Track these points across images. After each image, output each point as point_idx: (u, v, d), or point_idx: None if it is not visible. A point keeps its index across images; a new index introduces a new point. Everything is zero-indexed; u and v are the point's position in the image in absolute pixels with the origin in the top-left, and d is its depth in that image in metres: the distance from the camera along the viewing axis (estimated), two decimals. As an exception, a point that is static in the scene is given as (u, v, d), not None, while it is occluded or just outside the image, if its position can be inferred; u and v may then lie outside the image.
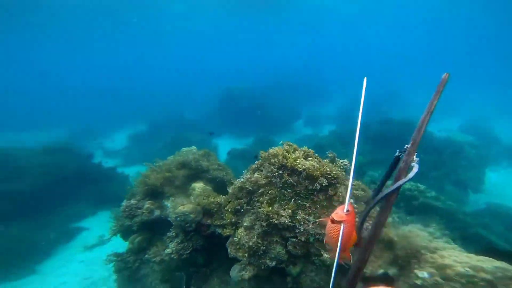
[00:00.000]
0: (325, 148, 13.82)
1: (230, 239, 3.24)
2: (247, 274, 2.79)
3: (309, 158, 3.26)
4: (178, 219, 3.75)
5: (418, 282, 2.20)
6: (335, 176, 2.83)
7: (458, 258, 2.30)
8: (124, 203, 4.76)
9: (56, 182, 9.41)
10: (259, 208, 3.05)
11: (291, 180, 3.02)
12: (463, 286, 2.08)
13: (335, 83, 31.65)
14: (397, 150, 1.11)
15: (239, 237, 2.96)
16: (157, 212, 4.47)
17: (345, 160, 3.48)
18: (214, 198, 3.74)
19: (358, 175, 9.48)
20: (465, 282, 2.08)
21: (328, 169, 2.87)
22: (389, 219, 3.70)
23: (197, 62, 52.28)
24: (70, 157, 10.46)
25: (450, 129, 16.44)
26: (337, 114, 23.99)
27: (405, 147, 1.05)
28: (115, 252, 4.58)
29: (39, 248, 7.59)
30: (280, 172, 3.07)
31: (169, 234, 3.99)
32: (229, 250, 3.12)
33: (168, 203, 4.44)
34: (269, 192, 3.11)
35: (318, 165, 2.94)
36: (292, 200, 2.93)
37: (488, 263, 2.16)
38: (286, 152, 3.26)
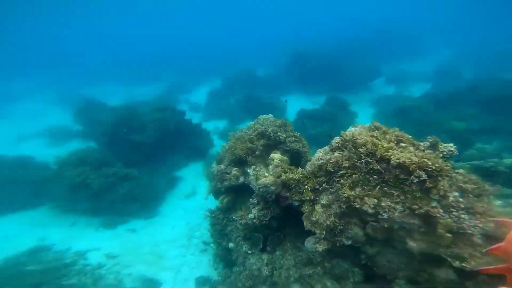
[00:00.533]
0: (413, 113, 12.19)
1: (306, 213, 3.43)
2: (321, 247, 2.98)
3: (402, 144, 2.98)
4: (260, 189, 4.14)
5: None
6: (438, 170, 2.53)
7: None
8: (215, 166, 5.51)
9: (164, 135, 11.27)
10: (340, 190, 3.07)
11: (378, 167, 2.87)
12: None
13: (432, 32, 25.89)
14: None
15: (317, 216, 3.10)
16: (241, 179, 5.01)
17: (450, 144, 3.03)
18: (292, 174, 3.91)
19: (462, 146, 8.11)
20: None
21: (429, 162, 2.57)
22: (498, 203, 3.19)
23: (269, 19, 50.18)
24: (172, 114, 12.20)
25: None
26: (434, 70, 20.02)
27: None
28: (209, 209, 5.50)
29: (160, 193, 9.55)
30: (368, 159, 2.94)
31: (252, 200, 4.50)
32: (305, 224, 3.33)
33: (250, 171, 4.89)
34: (352, 176, 3.06)
35: (415, 158, 2.66)
36: (378, 187, 2.82)
37: None
38: (376, 139, 3.04)
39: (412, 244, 2.43)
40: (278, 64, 23.01)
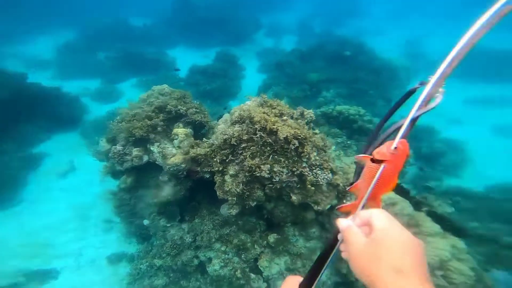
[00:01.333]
0: (285, 67, 14.12)
1: (218, 183, 4.08)
2: (234, 211, 3.80)
3: (284, 118, 3.92)
4: (171, 169, 4.38)
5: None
6: (304, 137, 3.60)
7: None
8: (105, 144, 5.12)
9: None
10: (243, 161, 3.82)
11: (270, 140, 3.73)
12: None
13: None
14: (418, 82, 0.93)
15: (228, 186, 3.79)
16: (145, 158, 4.97)
17: (311, 110, 4.21)
18: (200, 149, 4.33)
19: (313, 95, 10.39)
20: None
21: (299, 132, 3.59)
22: (333, 148, 4.89)
23: None
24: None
25: (392, 49, 17.53)
26: (298, 24, 22.89)
27: (429, 77, 0.88)
28: (110, 190, 5.22)
29: (16, 176, 7.70)
30: (262, 134, 3.72)
31: (162, 178, 4.68)
32: (218, 193, 4.01)
33: (155, 149, 4.91)
34: (251, 148, 3.83)
35: (291, 129, 3.63)
36: (270, 156, 3.73)
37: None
38: (266, 115, 3.81)
39: (294, 197, 3.56)
40: (156, 12, 19.95)
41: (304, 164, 3.59)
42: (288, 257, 3.53)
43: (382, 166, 0.87)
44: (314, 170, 3.55)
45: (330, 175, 3.55)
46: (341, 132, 5.95)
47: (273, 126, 3.67)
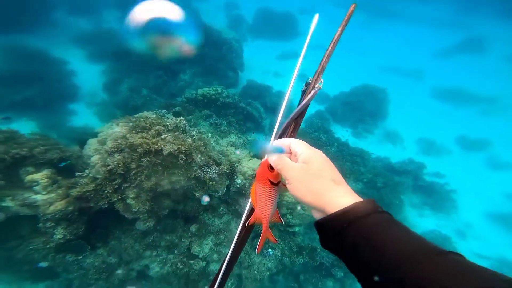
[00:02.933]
0: (130, 53, 11.09)
1: (121, 209, 4.29)
2: (151, 224, 4.36)
3: (162, 136, 4.22)
4: (56, 216, 4.03)
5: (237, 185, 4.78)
6: (188, 149, 4.22)
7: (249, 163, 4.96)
8: None
9: None
10: (140, 184, 4.12)
11: (158, 161, 4.10)
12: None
13: None
14: (304, 84, 0.99)
15: (136, 207, 4.14)
16: (1, 216, 4.15)
17: (181, 118, 4.67)
18: (83, 187, 4.10)
19: (171, 79, 9.45)
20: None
21: (182, 147, 4.14)
22: (209, 135, 5.78)
23: None
24: None
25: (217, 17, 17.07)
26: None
27: (308, 79, 0.97)
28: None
29: None
30: (149, 158, 3.99)
31: (45, 225, 4.23)
32: (127, 215, 4.30)
33: (10, 204, 4.14)
34: (144, 172, 4.11)
35: (175, 145, 4.09)
36: (165, 172, 4.20)
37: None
38: (145, 138, 3.98)
39: (197, 194, 4.42)
40: None
41: (195, 168, 4.35)
42: (212, 236, 4.70)
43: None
44: (204, 170, 4.41)
45: (216, 168, 4.54)
46: (210, 112, 6.60)
47: (156, 146, 4.00)
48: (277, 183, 0.90)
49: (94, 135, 4.81)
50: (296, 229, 5.34)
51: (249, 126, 7.97)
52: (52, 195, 4.11)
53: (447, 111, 15.03)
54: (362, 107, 12.17)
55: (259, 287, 5.23)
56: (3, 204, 4.09)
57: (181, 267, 4.45)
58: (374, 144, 11.47)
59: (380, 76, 15.58)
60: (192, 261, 4.53)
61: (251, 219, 0.98)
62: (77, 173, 4.34)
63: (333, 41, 0.95)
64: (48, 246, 4.37)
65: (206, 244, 4.62)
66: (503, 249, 8.30)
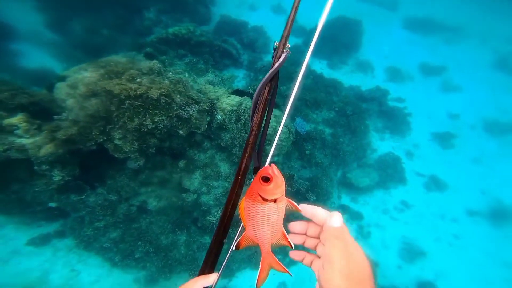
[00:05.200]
0: None
1: (112, 149, 4.59)
2: (141, 162, 4.77)
3: (137, 80, 4.26)
4: (49, 159, 4.29)
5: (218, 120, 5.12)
6: (168, 92, 4.37)
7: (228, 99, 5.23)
8: None
9: None
10: (124, 125, 4.35)
11: (138, 103, 4.25)
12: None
13: None
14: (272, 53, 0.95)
15: (125, 148, 4.47)
16: None
17: (155, 61, 4.61)
18: (66, 130, 4.26)
19: (135, 18, 8.18)
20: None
21: (163, 90, 4.27)
22: (186, 75, 5.75)
23: None
24: None
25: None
26: None
27: (275, 43, 0.93)
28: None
29: None
30: (130, 102, 4.13)
31: (40, 168, 4.51)
32: (117, 155, 4.64)
33: None
34: (125, 114, 4.29)
35: (157, 90, 4.20)
36: (146, 113, 4.40)
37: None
38: (122, 85, 4.03)
39: (181, 132, 4.73)
40: None
41: (175, 108, 4.57)
42: (200, 170, 5.23)
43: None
44: (185, 109, 4.65)
45: (196, 106, 4.78)
46: (185, 52, 6.22)
47: (136, 93, 4.10)
48: (273, 200, 0.76)
49: (60, 78, 4.69)
50: (275, 158, 6.06)
51: (226, 63, 7.85)
52: (37, 138, 4.28)
53: (415, 41, 15.36)
54: (337, 39, 12.05)
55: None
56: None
57: (175, 200, 5.11)
58: (347, 74, 11.86)
59: (355, 7, 14.98)
60: (184, 194, 5.18)
61: (241, 240, 0.86)
62: (55, 117, 4.43)
63: (294, 6, 0.95)
64: (50, 187, 4.76)
65: (195, 178, 5.21)
66: (435, 167, 9.79)
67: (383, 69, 12.95)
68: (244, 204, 0.79)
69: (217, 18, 10.17)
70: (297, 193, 6.97)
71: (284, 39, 0.97)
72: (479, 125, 11.66)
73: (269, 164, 0.80)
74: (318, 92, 8.90)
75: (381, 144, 9.81)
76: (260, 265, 0.86)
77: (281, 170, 6.77)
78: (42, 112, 4.53)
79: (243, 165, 0.94)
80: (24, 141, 4.31)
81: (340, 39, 12.17)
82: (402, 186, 9.16)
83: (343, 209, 8.13)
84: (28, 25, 8.36)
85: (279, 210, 0.79)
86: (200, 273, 0.89)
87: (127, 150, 4.51)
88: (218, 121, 5.13)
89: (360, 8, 15.41)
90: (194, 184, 5.17)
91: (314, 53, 11.55)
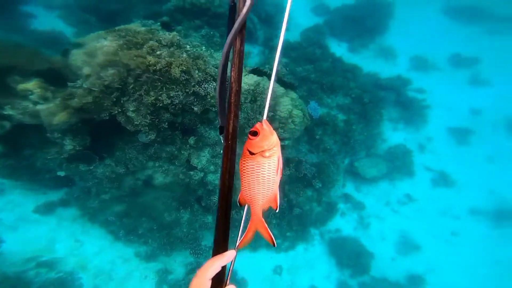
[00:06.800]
0: None
1: (123, 121, 4.49)
2: (153, 136, 4.68)
3: (157, 52, 4.06)
4: (62, 127, 4.23)
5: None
6: (188, 69, 4.17)
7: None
8: None
9: None
10: (140, 98, 4.23)
11: (156, 77, 4.08)
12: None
13: None
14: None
15: (138, 120, 4.37)
16: (7, 124, 4.32)
17: (174, 33, 4.36)
18: (81, 98, 4.15)
19: None
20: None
21: (184, 67, 4.07)
22: (203, 48, 5.45)
23: None
24: None
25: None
26: None
27: None
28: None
29: None
30: (148, 75, 3.96)
31: (53, 136, 4.47)
32: (129, 128, 4.55)
33: (12, 112, 4.24)
34: (142, 87, 4.14)
35: (170, 60, 4.00)
36: (163, 87, 4.24)
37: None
38: (141, 58, 3.84)
39: (195, 108, 4.59)
40: None
41: (193, 84, 4.39)
42: (209, 148, 5.13)
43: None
44: (203, 86, 4.47)
45: (214, 83, 4.59)
46: (201, 23, 5.83)
47: (156, 68, 3.92)
48: (260, 153, 0.73)
49: (76, 45, 4.50)
50: (286, 142, 5.93)
51: (242, 37, 7.42)
52: (51, 104, 4.18)
53: (453, 29, 14.11)
54: (362, 21, 11.30)
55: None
56: (5, 113, 4.18)
57: (182, 177, 5.07)
58: (367, 59, 11.28)
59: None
60: (191, 172, 5.14)
61: (239, 198, 0.83)
62: (69, 83, 4.29)
63: None
64: (62, 156, 4.75)
65: (204, 156, 5.14)
66: (446, 163, 9.58)
67: (408, 57, 12.20)
68: (240, 162, 0.79)
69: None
70: (303, 178, 6.93)
71: None
72: (501, 123, 11.18)
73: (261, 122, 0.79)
74: (335, 76, 8.55)
75: (393, 135, 9.59)
76: (247, 229, 0.83)
77: (289, 153, 6.72)
78: (56, 78, 4.39)
79: (231, 127, 0.86)
80: (38, 107, 4.23)
81: (365, 21, 11.43)
82: (409, 179, 9.08)
83: (346, 198, 8.14)
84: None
85: (270, 166, 0.76)
86: (213, 253, 0.83)
87: (139, 123, 4.40)
88: (234, 101, 4.95)
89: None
90: (202, 162, 5.11)
91: (336, 35, 10.91)
